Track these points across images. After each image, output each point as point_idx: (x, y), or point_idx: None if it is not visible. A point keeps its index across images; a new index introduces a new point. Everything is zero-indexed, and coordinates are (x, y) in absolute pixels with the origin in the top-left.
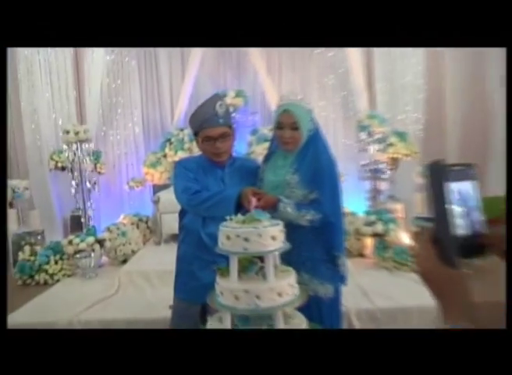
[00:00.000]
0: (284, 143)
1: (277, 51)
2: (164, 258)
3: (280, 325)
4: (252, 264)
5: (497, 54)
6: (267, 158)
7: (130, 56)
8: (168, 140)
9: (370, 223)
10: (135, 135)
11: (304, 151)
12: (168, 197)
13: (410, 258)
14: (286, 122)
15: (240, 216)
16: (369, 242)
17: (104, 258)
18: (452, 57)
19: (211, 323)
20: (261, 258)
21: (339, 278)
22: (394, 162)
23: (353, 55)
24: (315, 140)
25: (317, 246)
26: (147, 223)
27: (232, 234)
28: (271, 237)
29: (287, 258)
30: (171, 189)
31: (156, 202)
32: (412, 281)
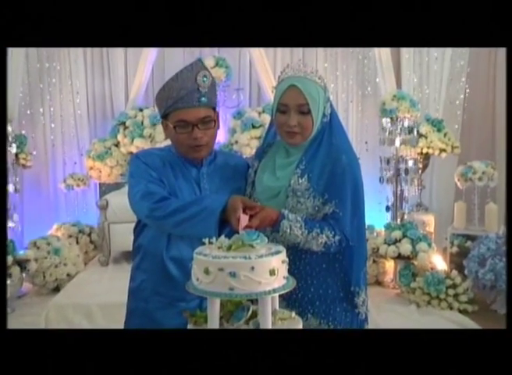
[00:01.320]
0: (288, 133)
1: None
2: (113, 285)
3: None
4: (240, 309)
5: None
6: (261, 153)
7: None
8: (122, 123)
9: (393, 242)
10: (76, 115)
11: (315, 145)
12: (121, 201)
13: (448, 291)
14: (291, 103)
15: (223, 239)
16: (391, 266)
17: (27, 286)
18: None
19: None
20: (253, 301)
21: (357, 322)
22: (425, 158)
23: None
24: (331, 130)
25: (330, 279)
26: (90, 235)
27: (212, 267)
28: (269, 271)
29: (287, 296)
30: (124, 190)
31: (103, 208)
32: (453, 323)
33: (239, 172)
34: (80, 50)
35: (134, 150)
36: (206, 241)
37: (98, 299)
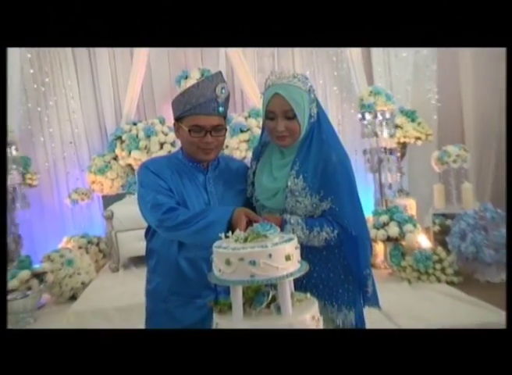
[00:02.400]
0: (278, 138)
1: None
2: (125, 290)
3: None
4: (261, 294)
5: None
6: (258, 154)
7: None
8: (119, 138)
9: (382, 226)
10: (74, 134)
11: (306, 145)
12: (125, 210)
13: (435, 266)
14: (277, 110)
15: (239, 233)
16: (381, 249)
17: (46, 296)
18: None
19: None
20: (272, 286)
21: (365, 300)
22: (403, 147)
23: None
24: (320, 129)
25: (332, 264)
26: (98, 245)
27: (233, 258)
28: (285, 256)
29: (294, 282)
30: (126, 200)
31: (109, 218)
32: (443, 295)
33: (240, 175)
34: (72, 70)
35: (132, 162)
36: (222, 235)
37: (114, 303)
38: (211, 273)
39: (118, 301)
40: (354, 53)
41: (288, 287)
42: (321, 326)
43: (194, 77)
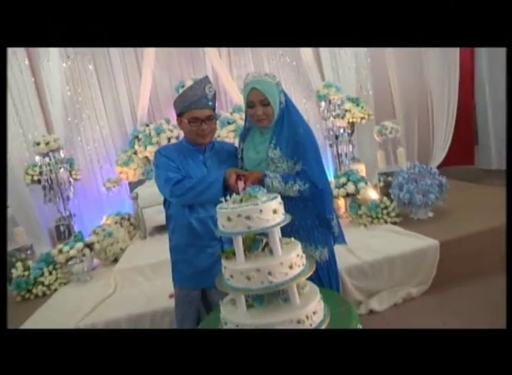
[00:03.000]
0: (258, 120)
1: None
2: (153, 251)
3: (295, 298)
4: (256, 242)
5: None
6: (243, 136)
7: (86, 60)
8: (136, 137)
9: (341, 185)
10: (103, 137)
11: (279, 124)
12: (146, 191)
13: (383, 211)
14: (255, 100)
15: (235, 196)
16: (342, 203)
17: (96, 261)
18: None
19: (225, 308)
20: (264, 234)
21: (334, 239)
22: (352, 126)
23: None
24: (288, 112)
25: (308, 213)
26: (129, 220)
27: (232, 215)
28: (272, 211)
29: (281, 230)
30: (147, 184)
31: (135, 198)
32: (389, 232)
33: (230, 153)
34: (97, 89)
35: (148, 154)
36: (223, 199)
37: (146, 261)
38: (217, 228)
39: (148, 260)
40: (308, 58)
41: (277, 234)
42: (304, 261)
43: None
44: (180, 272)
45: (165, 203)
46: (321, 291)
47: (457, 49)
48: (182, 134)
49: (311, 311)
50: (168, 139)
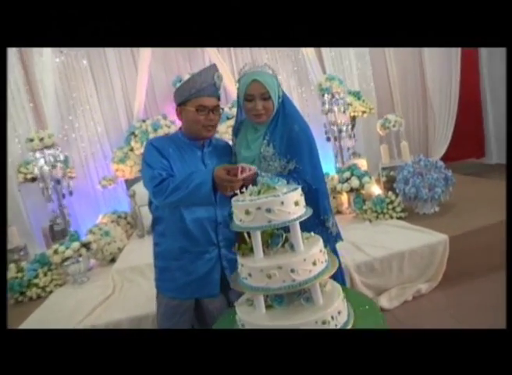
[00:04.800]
0: (256, 115)
1: None
2: (151, 250)
3: (319, 297)
4: (276, 236)
5: None
6: (236, 131)
7: (80, 56)
8: (132, 133)
9: (345, 180)
10: (98, 134)
11: (274, 120)
12: (144, 189)
13: (388, 206)
14: (256, 93)
15: (252, 187)
16: (345, 198)
17: (92, 261)
18: None
19: (241, 309)
20: (284, 229)
21: (333, 238)
22: (353, 120)
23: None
24: (284, 107)
25: None
26: (126, 218)
27: (251, 208)
28: (294, 203)
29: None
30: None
31: (132, 196)
32: (396, 227)
33: (226, 150)
34: (92, 85)
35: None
36: (238, 192)
37: (145, 260)
38: (232, 223)
39: (147, 259)
40: (309, 50)
41: (298, 227)
42: (326, 257)
43: None
44: (173, 280)
45: (151, 203)
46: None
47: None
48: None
49: (336, 311)
50: (166, 135)
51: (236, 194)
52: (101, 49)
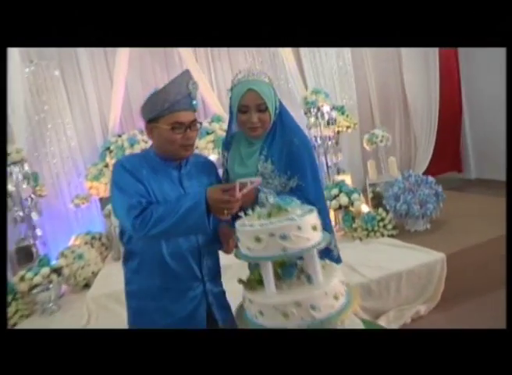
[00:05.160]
0: (251, 129)
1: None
2: None
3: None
4: (289, 266)
5: None
6: (227, 145)
7: (52, 66)
8: (108, 148)
9: (333, 197)
10: (71, 149)
11: (271, 133)
12: None
13: (379, 224)
14: (251, 104)
15: (260, 209)
16: (333, 216)
17: (64, 287)
18: None
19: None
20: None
21: (335, 261)
22: (337, 135)
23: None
24: (282, 118)
25: None
26: (100, 239)
27: (263, 234)
28: (311, 227)
29: None
30: None
31: (108, 216)
32: (389, 245)
33: (208, 168)
34: (64, 97)
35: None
36: (242, 214)
37: (122, 286)
38: (237, 251)
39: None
40: (291, 64)
41: (316, 256)
42: (346, 288)
43: None
44: (150, 323)
45: (123, 234)
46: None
47: (436, 53)
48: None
49: None
50: (135, 154)
51: (236, 218)
52: (74, 59)
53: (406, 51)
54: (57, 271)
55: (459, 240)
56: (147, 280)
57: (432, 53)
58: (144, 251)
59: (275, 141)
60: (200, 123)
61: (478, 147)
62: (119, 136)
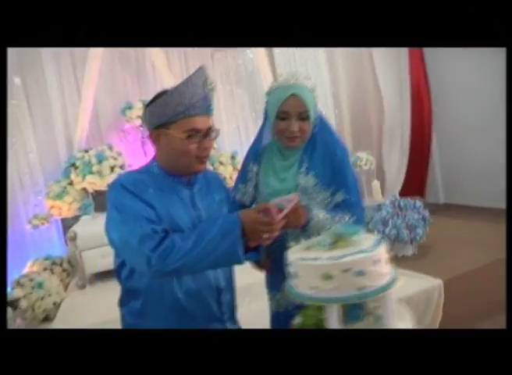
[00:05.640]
0: (290, 139)
1: (177, 50)
2: (98, 305)
3: None
4: (354, 308)
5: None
6: (258, 157)
7: (12, 72)
8: (73, 164)
9: None
10: (30, 164)
11: (311, 143)
12: (87, 230)
13: None
14: (293, 111)
15: (321, 238)
16: None
17: (18, 321)
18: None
19: None
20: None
21: None
22: None
23: (259, 56)
24: (322, 127)
25: None
26: (61, 265)
27: (335, 270)
28: (385, 260)
29: None
30: (86, 220)
31: (73, 239)
32: None
33: (217, 183)
34: (25, 106)
35: (87, 185)
36: (292, 244)
37: (91, 319)
38: (294, 292)
39: (94, 318)
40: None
41: (391, 295)
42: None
43: (137, 107)
44: None
45: (121, 270)
46: None
47: (407, 74)
48: (128, 163)
49: None
50: (112, 168)
51: (275, 243)
52: (38, 66)
53: (381, 71)
54: (12, 304)
55: (451, 265)
56: (155, 323)
57: (404, 71)
58: (151, 290)
59: (315, 152)
60: (218, 131)
61: (447, 172)
62: (86, 151)
